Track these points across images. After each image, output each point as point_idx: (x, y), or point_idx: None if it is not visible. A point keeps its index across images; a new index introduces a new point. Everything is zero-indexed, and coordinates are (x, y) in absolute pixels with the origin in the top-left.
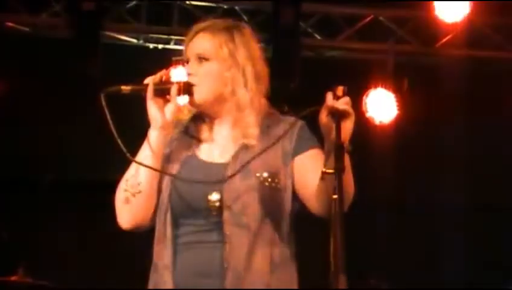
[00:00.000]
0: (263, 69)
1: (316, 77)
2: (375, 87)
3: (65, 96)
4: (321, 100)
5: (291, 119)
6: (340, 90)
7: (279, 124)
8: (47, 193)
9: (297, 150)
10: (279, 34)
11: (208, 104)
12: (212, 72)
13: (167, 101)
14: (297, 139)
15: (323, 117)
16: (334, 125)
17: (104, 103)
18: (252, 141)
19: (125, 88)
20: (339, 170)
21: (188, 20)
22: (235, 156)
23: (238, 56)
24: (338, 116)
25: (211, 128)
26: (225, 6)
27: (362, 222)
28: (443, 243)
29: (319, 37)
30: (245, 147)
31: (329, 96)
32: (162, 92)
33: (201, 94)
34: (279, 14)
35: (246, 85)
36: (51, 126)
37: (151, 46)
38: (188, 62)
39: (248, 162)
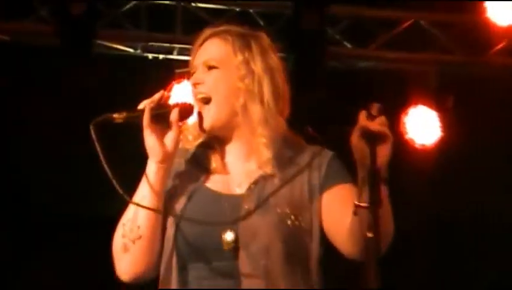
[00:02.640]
0: (283, 85)
1: (345, 92)
2: (416, 104)
3: (52, 116)
4: (352, 120)
5: (318, 147)
6: (374, 108)
7: (304, 152)
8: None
9: (326, 184)
10: (301, 41)
11: (218, 126)
12: (223, 80)
13: (168, 128)
14: (326, 171)
15: (356, 140)
16: (368, 150)
17: (93, 136)
18: (269, 170)
19: (118, 117)
20: (375, 203)
21: (193, 26)
22: (252, 188)
23: (254, 66)
24: (373, 139)
25: (222, 156)
26: (237, 9)
27: (400, 263)
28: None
29: (348, 45)
30: (263, 177)
31: (362, 115)
32: (161, 117)
33: (211, 115)
34: (301, 18)
35: (261, 100)
36: (35, 153)
37: (151, 56)
38: (195, 72)
39: (268, 196)
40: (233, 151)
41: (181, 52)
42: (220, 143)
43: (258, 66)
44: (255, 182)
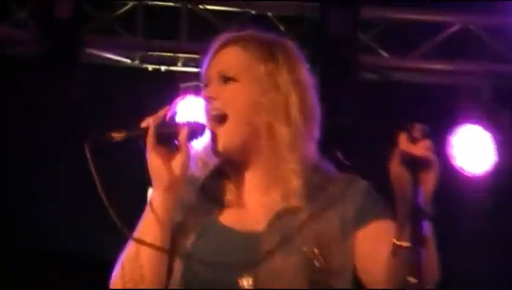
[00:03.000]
0: (313, 103)
1: (380, 108)
2: (465, 123)
3: (30, 137)
4: (390, 143)
5: (351, 176)
6: (417, 129)
7: (335, 181)
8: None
9: (361, 220)
10: (328, 49)
11: (235, 149)
12: (242, 94)
13: (175, 150)
14: (361, 204)
15: (395, 168)
16: (409, 180)
17: (89, 156)
18: (296, 202)
19: (118, 135)
20: (418, 243)
21: (201, 32)
22: (273, 223)
23: (279, 78)
24: (415, 166)
25: (238, 186)
26: (253, 12)
27: None
28: None
29: (384, 54)
30: (287, 211)
31: (402, 138)
32: (168, 137)
33: (227, 135)
34: (329, 22)
35: (288, 119)
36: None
37: (151, 67)
38: (208, 84)
39: (292, 233)
40: (252, 180)
41: (186, 62)
42: (236, 170)
43: (284, 79)
44: (278, 217)
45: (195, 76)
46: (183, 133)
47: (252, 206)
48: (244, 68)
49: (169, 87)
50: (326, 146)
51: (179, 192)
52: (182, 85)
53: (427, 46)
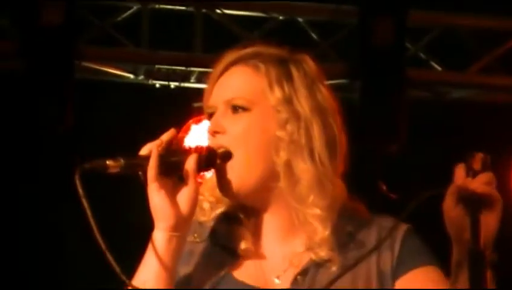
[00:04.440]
0: (339, 132)
1: (432, 132)
2: None
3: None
4: (446, 177)
5: (388, 219)
6: (477, 160)
7: (370, 226)
8: None
9: (401, 269)
10: (371, 62)
11: (247, 192)
12: (255, 127)
13: (181, 182)
14: (400, 251)
15: (450, 206)
16: (467, 220)
17: (80, 189)
18: (325, 254)
19: (113, 164)
20: None
21: (217, 42)
22: (299, 279)
23: (298, 104)
24: (475, 204)
25: (254, 233)
26: (281, 17)
27: None
28: None
29: (437, 67)
30: (315, 264)
31: (459, 170)
32: (173, 167)
33: (236, 175)
34: (371, 30)
35: (311, 155)
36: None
37: (158, 84)
38: (213, 114)
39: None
40: (270, 227)
41: (200, 78)
42: (251, 214)
43: (304, 104)
44: (304, 272)
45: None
46: (191, 162)
47: (271, 257)
48: (256, 95)
49: (181, 106)
50: (369, 177)
51: (186, 234)
52: (196, 105)
53: (488, 57)
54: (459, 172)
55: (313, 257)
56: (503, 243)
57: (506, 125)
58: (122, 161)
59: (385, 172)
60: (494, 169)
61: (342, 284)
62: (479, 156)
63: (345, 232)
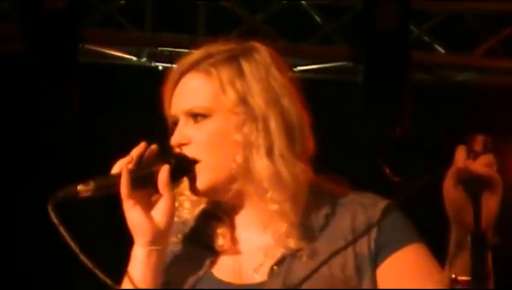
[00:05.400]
0: (299, 113)
1: (437, 116)
2: None
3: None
4: (449, 159)
5: (364, 197)
6: (478, 141)
7: (349, 207)
8: None
9: (381, 254)
10: (375, 45)
11: (214, 190)
12: (215, 133)
13: (156, 194)
14: (379, 233)
15: (450, 188)
16: (467, 202)
17: (54, 219)
18: (293, 244)
19: (85, 189)
20: (481, 277)
21: (220, 24)
22: (275, 270)
23: (253, 101)
24: (476, 186)
25: (230, 228)
26: (285, 1)
27: None
28: None
29: (441, 50)
30: (287, 256)
31: (460, 152)
32: (146, 180)
33: (203, 176)
34: (376, 13)
35: (269, 150)
36: None
37: (161, 66)
38: (176, 122)
39: (297, 281)
40: (244, 222)
41: None
42: (225, 211)
43: (258, 100)
44: (279, 262)
45: None
46: (163, 174)
47: (247, 251)
48: (212, 100)
49: None
50: (372, 160)
51: (166, 244)
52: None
53: (492, 40)
54: (460, 154)
55: (284, 249)
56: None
57: (508, 108)
58: (92, 183)
59: (388, 155)
60: (497, 151)
61: (319, 272)
62: (480, 138)
63: (322, 215)
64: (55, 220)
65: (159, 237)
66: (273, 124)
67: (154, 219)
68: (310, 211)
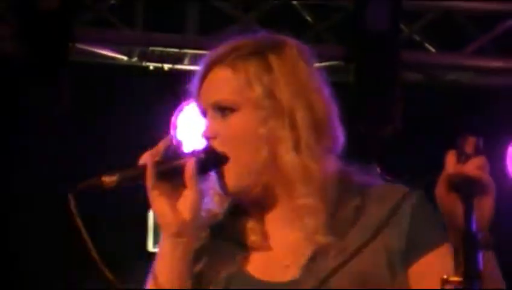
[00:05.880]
0: (327, 107)
1: (428, 116)
2: None
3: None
4: (440, 159)
5: (396, 188)
6: (469, 143)
7: (380, 198)
8: None
9: (413, 252)
10: (366, 44)
11: (243, 191)
12: (241, 128)
13: (182, 187)
14: (411, 228)
15: (443, 194)
16: (461, 207)
17: (73, 210)
18: (322, 239)
19: (109, 180)
20: (473, 277)
21: (212, 24)
22: (309, 266)
23: (279, 94)
24: (467, 189)
25: (261, 224)
26: (276, 1)
27: None
28: None
29: (432, 49)
30: (318, 250)
31: (450, 157)
32: (173, 173)
33: (231, 177)
34: (366, 13)
35: (296, 144)
36: None
37: (152, 66)
38: (205, 111)
39: (329, 277)
40: (273, 217)
41: (194, 60)
42: (256, 207)
43: (285, 92)
44: (310, 259)
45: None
46: (189, 167)
47: (279, 247)
48: (239, 94)
49: (174, 89)
50: (363, 159)
51: (192, 237)
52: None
53: (482, 40)
54: (450, 159)
55: (314, 244)
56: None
57: (501, 108)
58: (117, 175)
59: (380, 154)
60: (489, 152)
61: (350, 268)
62: (471, 140)
63: (352, 208)
64: (75, 212)
65: (184, 230)
66: (300, 118)
67: (180, 212)
68: (339, 204)
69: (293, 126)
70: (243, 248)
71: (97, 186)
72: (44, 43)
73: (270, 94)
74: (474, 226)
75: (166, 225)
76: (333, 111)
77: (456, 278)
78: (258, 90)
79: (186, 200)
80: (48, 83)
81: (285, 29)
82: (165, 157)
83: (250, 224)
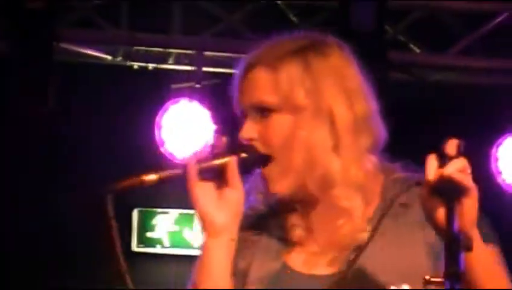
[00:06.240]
0: (366, 107)
1: (412, 115)
2: None
3: None
4: (424, 159)
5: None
6: (452, 146)
7: (414, 192)
8: None
9: None
10: (350, 45)
11: (287, 192)
12: (281, 129)
13: (224, 186)
14: None
15: (426, 198)
16: (443, 209)
17: (110, 212)
18: (366, 236)
19: (150, 179)
20: (454, 278)
21: (196, 24)
22: (352, 262)
23: (320, 96)
24: (449, 191)
25: (305, 219)
26: (263, 1)
27: None
28: None
29: (416, 50)
30: (363, 247)
31: (430, 162)
32: (215, 172)
33: (274, 179)
34: (351, 13)
35: (336, 147)
36: None
37: (136, 65)
38: (244, 117)
39: (371, 273)
40: (317, 213)
41: (179, 60)
42: (299, 204)
43: (324, 93)
44: (352, 255)
45: (189, 75)
46: (232, 167)
47: (322, 242)
48: (279, 95)
49: (158, 88)
50: None
51: (234, 236)
52: (174, 86)
53: (467, 39)
54: (430, 164)
55: (356, 240)
56: None
57: (486, 108)
58: (159, 173)
59: None
60: (473, 153)
61: (394, 263)
62: (453, 142)
63: (395, 205)
64: (110, 212)
65: (226, 228)
66: (340, 118)
67: (222, 211)
68: (383, 201)
69: (333, 127)
70: (287, 243)
71: (136, 184)
72: (31, 43)
73: (310, 95)
74: (455, 228)
75: (209, 225)
76: (374, 108)
77: (438, 279)
78: (298, 91)
79: (228, 200)
80: (32, 82)
81: (269, 29)
82: (207, 157)
83: (294, 220)
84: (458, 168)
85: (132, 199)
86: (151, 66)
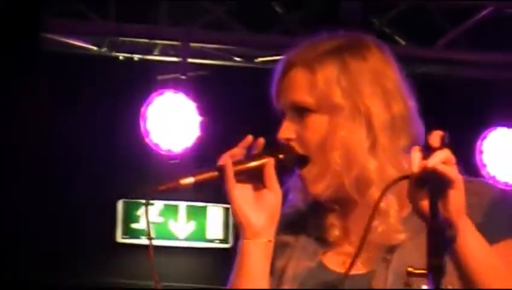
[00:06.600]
0: (404, 107)
1: None
2: (499, 126)
3: None
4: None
5: (479, 185)
6: (436, 137)
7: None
8: None
9: (487, 238)
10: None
11: (326, 193)
12: (320, 129)
13: (262, 187)
14: (487, 219)
15: (412, 193)
16: (428, 201)
17: (146, 217)
18: (399, 236)
19: (185, 183)
20: (437, 270)
21: (182, 15)
22: (386, 261)
23: (357, 97)
24: (433, 183)
25: (343, 219)
26: None
27: None
28: None
29: (403, 42)
30: (398, 246)
31: (414, 154)
32: (252, 173)
33: (313, 180)
34: (338, 6)
35: (372, 147)
36: None
37: (122, 56)
38: (283, 117)
39: (404, 272)
40: (354, 214)
41: (165, 51)
42: (337, 204)
43: (362, 94)
44: (387, 255)
45: (175, 66)
46: (269, 167)
47: (357, 243)
48: (316, 95)
49: (144, 79)
50: None
51: (272, 237)
52: (159, 77)
53: (453, 32)
54: (415, 154)
55: (391, 240)
56: None
57: (472, 101)
58: (196, 175)
59: None
60: (458, 145)
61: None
62: (437, 133)
63: None
64: (147, 216)
65: (264, 230)
66: (377, 119)
67: (260, 212)
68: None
69: (370, 128)
70: (324, 243)
71: (171, 188)
72: (14, 32)
73: (347, 95)
74: (439, 219)
75: (247, 226)
76: (412, 108)
77: (420, 271)
78: (336, 91)
79: (266, 201)
80: (22, 73)
81: (255, 21)
82: (244, 158)
83: (331, 220)
84: (442, 160)
85: (117, 189)
86: (136, 57)
